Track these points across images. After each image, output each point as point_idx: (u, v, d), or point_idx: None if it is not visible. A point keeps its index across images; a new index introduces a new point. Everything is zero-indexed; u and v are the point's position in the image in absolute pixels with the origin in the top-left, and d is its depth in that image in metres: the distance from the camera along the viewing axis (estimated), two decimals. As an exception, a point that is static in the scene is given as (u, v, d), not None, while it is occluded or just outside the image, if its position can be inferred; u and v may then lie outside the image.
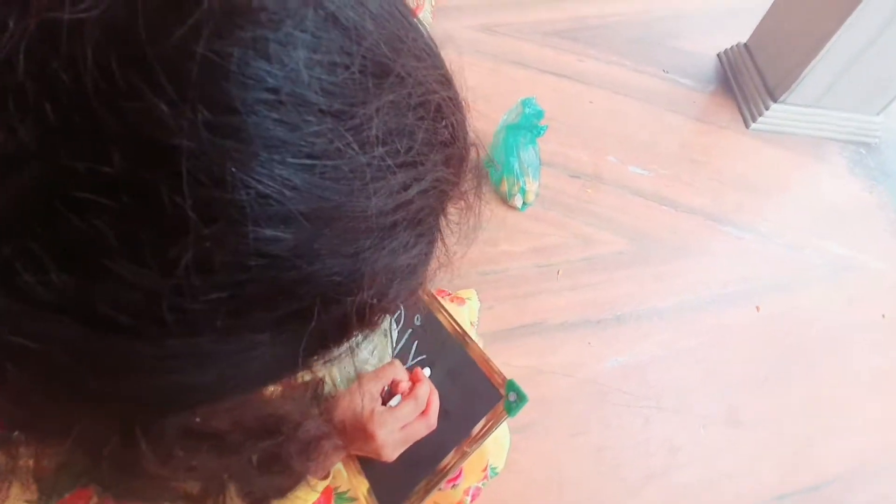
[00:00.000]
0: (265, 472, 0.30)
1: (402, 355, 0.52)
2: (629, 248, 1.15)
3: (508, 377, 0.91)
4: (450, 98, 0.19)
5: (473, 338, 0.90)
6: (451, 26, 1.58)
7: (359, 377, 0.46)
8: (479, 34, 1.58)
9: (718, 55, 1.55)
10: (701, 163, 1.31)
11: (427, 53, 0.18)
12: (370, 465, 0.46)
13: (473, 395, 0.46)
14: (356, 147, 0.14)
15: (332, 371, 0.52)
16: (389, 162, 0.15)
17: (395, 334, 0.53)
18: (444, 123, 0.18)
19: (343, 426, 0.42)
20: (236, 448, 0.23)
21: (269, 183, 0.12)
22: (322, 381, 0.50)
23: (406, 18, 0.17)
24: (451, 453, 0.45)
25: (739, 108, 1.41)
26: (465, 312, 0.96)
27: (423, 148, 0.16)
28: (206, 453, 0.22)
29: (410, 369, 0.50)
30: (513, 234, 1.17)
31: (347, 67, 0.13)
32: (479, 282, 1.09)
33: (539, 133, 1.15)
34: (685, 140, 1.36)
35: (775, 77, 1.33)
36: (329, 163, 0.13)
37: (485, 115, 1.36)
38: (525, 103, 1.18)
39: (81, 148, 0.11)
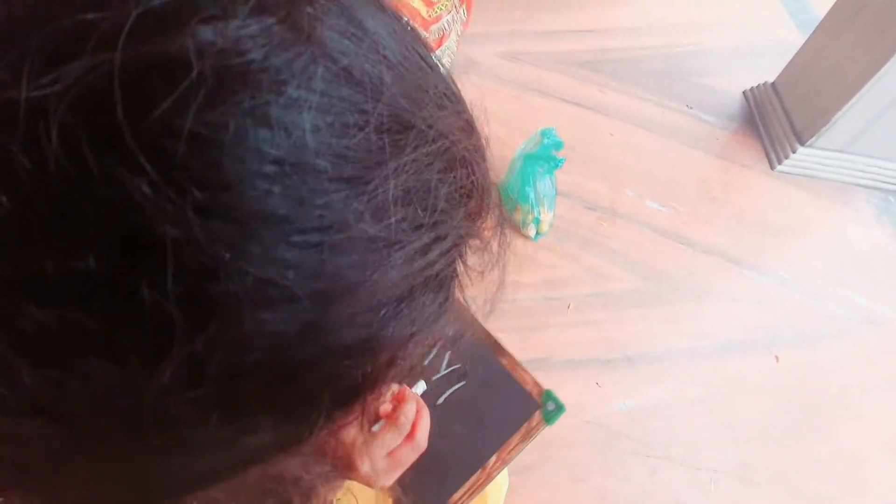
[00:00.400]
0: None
1: (432, 365, 0.50)
2: (643, 286, 1.13)
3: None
4: (473, 146, 0.17)
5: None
6: (474, 52, 1.60)
7: None
8: (503, 61, 1.59)
9: (744, 93, 1.53)
10: (721, 201, 1.29)
11: (449, 99, 0.16)
12: (400, 481, 0.45)
13: (508, 404, 0.45)
14: (371, 215, 0.12)
15: None
16: (406, 227, 0.13)
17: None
18: (467, 174, 0.16)
19: (334, 459, 0.41)
20: None
21: (270, 266, 0.11)
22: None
23: (427, 62, 0.15)
24: (493, 458, 0.43)
25: (765, 149, 1.39)
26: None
27: (445, 205, 0.15)
28: None
29: (446, 379, 0.48)
30: (524, 263, 1.15)
31: (362, 128, 0.12)
32: (487, 311, 1.07)
33: (557, 165, 1.14)
34: (706, 177, 1.34)
35: (804, 120, 1.31)
36: (339, 237, 0.12)
37: (503, 142, 1.36)
38: (544, 133, 1.18)
39: (48, 243, 0.10)
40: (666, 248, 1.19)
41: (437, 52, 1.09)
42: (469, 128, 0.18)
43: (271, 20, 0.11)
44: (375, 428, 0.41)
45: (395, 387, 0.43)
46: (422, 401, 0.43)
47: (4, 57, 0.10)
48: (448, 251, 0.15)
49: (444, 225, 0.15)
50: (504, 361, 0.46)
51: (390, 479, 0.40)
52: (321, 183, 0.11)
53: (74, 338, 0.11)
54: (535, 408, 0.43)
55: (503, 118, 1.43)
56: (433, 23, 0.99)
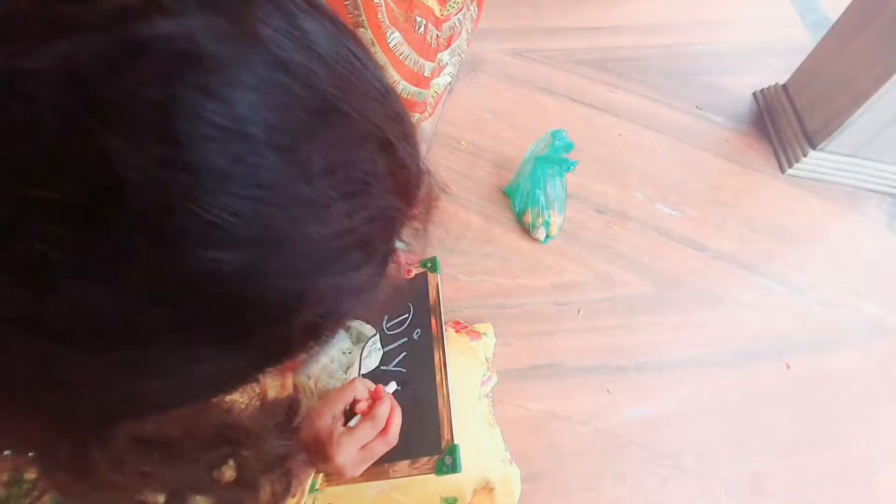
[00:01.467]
0: (229, 487, 0.31)
1: (386, 357, 0.53)
2: (653, 291, 1.12)
3: (522, 421, 0.89)
4: (401, 133, 0.20)
5: (484, 377, 0.87)
6: (482, 49, 1.58)
7: (322, 399, 0.46)
8: (511, 59, 1.57)
9: (754, 94, 1.52)
10: (732, 206, 1.28)
11: (378, 92, 0.19)
12: None
13: (419, 432, 0.46)
14: (300, 179, 0.15)
15: (309, 388, 0.52)
16: (332, 193, 0.16)
17: (373, 348, 0.53)
18: (392, 156, 0.19)
19: (307, 449, 0.44)
20: (188, 456, 0.25)
21: (215, 211, 0.14)
22: (298, 399, 0.50)
23: (359, 59, 0.18)
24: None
25: (775, 152, 1.38)
26: (481, 348, 0.94)
27: (368, 178, 0.18)
28: (157, 460, 0.23)
29: (386, 375, 0.51)
30: (533, 267, 1.14)
31: (290, 107, 0.15)
32: (495, 315, 1.06)
33: (569, 168, 1.13)
34: (716, 181, 1.33)
35: (815, 123, 1.30)
36: (272, 193, 0.15)
37: (511, 142, 1.35)
38: (555, 135, 1.16)
39: (38, 178, 0.12)
40: (677, 253, 1.18)
41: (448, 50, 1.06)
42: (397, 117, 0.20)
43: (219, 18, 0.14)
44: (352, 423, 0.45)
45: (370, 385, 0.48)
46: (395, 400, 0.46)
47: (14, 36, 0.12)
48: (373, 218, 0.18)
49: (367, 196, 0.18)
50: (441, 395, 0.48)
51: (359, 470, 0.43)
52: (256, 147, 0.14)
53: (55, 258, 0.13)
54: (436, 452, 0.44)
55: (511, 118, 1.42)
56: (445, 21, 0.97)
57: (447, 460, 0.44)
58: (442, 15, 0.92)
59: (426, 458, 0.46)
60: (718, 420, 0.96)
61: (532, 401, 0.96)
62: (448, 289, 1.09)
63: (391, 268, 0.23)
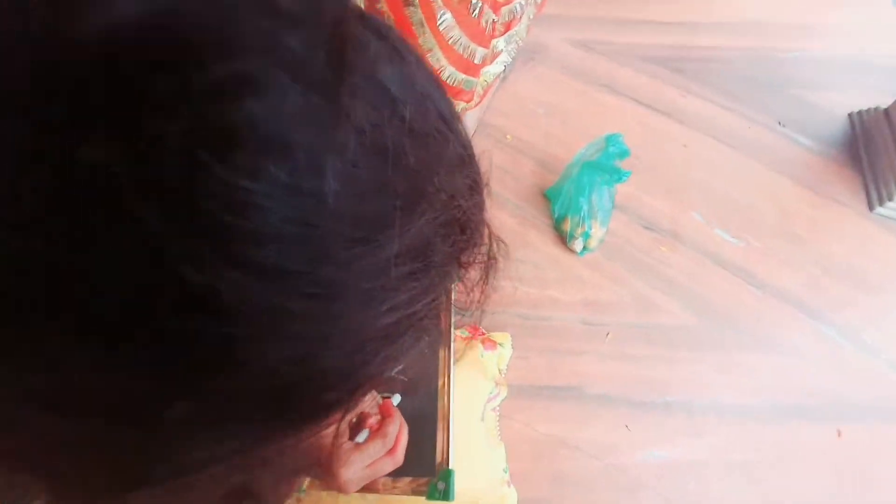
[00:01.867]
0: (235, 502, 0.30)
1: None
2: (697, 325, 1.02)
3: (528, 442, 0.85)
4: (475, 203, 0.19)
5: (491, 394, 0.82)
6: (544, 36, 1.47)
7: None
8: (573, 49, 1.46)
9: (850, 116, 1.34)
10: (805, 241, 1.14)
11: (463, 160, 0.18)
12: None
13: (414, 448, 0.44)
14: (370, 270, 0.14)
15: None
16: (402, 279, 0.15)
17: None
18: (467, 234, 0.18)
19: (310, 462, 0.43)
20: (203, 489, 0.23)
21: (279, 313, 0.13)
22: None
23: (449, 125, 0.17)
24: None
25: (865, 185, 1.21)
26: (492, 362, 0.89)
27: (440, 262, 0.17)
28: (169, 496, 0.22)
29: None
30: (565, 279, 1.07)
31: (379, 195, 0.14)
32: (517, 325, 1.00)
33: (620, 178, 1.03)
34: (790, 209, 1.18)
35: (921, 157, 1.13)
36: (338, 291, 0.14)
37: (561, 141, 1.26)
38: (610, 140, 1.07)
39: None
40: (731, 285, 1.07)
41: (504, 36, 0.99)
42: (475, 186, 0.19)
43: (313, 96, 0.13)
44: (360, 439, 0.43)
45: (378, 398, 0.46)
46: (402, 418, 0.45)
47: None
48: (434, 301, 0.17)
49: (436, 279, 0.17)
50: (440, 407, 0.46)
51: (359, 487, 0.43)
52: (336, 242, 0.13)
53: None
54: (429, 474, 0.43)
55: (565, 115, 1.32)
56: (505, 4, 0.89)
57: (440, 486, 0.43)
58: (502, -3, 0.85)
59: (419, 479, 0.44)
60: (749, 480, 0.87)
61: (543, 423, 0.90)
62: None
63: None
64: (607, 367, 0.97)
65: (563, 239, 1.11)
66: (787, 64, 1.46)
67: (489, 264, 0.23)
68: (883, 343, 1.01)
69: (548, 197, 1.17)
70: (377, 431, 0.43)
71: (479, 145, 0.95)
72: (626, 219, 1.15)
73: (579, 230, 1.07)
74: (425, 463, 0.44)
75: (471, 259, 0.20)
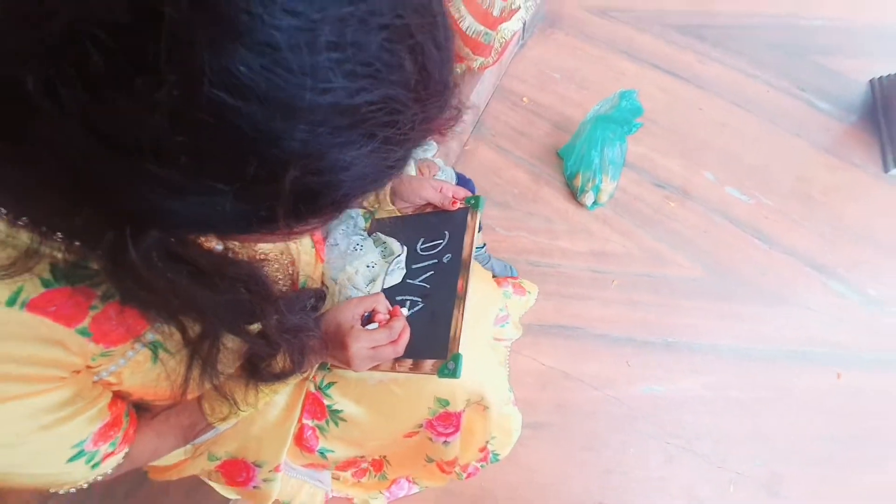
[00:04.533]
0: (254, 338, 0.39)
1: (413, 273, 0.61)
2: (704, 276, 1.10)
3: (534, 373, 0.95)
4: (431, 37, 0.21)
5: (502, 312, 0.92)
6: (563, 4, 1.56)
7: (347, 301, 0.55)
8: (593, 17, 1.54)
9: (871, 82, 1.38)
10: (819, 202, 1.19)
11: None
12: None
13: (431, 339, 0.54)
14: (306, 47, 0.18)
15: (333, 292, 0.61)
16: (336, 68, 0.18)
17: (396, 266, 0.61)
18: (409, 48, 0.20)
19: (325, 334, 0.52)
20: (210, 281, 0.30)
21: (228, 59, 0.17)
22: (324, 292, 0.58)
23: None
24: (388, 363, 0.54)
25: (882, 148, 1.26)
26: (521, 305, 0.98)
27: (377, 64, 0.19)
28: (185, 275, 0.28)
29: (409, 287, 0.60)
30: (574, 231, 1.16)
31: None
32: (528, 271, 1.10)
33: (631, 130, 1.12)
34: (806, 172, 1.24)
35: (942, 119, 1.16)
36: (279, 55, 0.17)
37: (577, 104, 1.35)
38: (623, 95, 1.15)
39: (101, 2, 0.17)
40: (739, 240, 1.14)
41: (521, -6, 1.08)
42: (430, 18, 0.21)
43: None
44: (370, 328, 0.53)
45: (388, 304, 0.56)
46: (407, 323, 0.55)
47: None
48: (375, 104, 0.20)
49: (373, 82, 0.20)
50: (456, 313, 0.55)
51: (364, 367, 0.51)
52: (276, 10, 0.17)
53: (106, 72, 0.17)
54: (441, 357, 0.50)
55: (581, 79, 1.40)
56: (521, -40, 0.98)
57: (450, 365, 0.51)
58: (518, -46, 0.94)
59: (432, 361, 0.53)
60: (746, 415, 0.95)
61: (548, 357, 1.00)
62: (485, 238, 1.14)
63: (404, 169, 0.25)
64: (612, 310, 1.06)
65: (574, 194, 1.20)
66: (810, 31, 1.50)
67: (457, 116, 0.26)
68: (888, 296, 1.07)
69: (561, 156, 1.26)
70: (385, 325, 0.53)
71: (496, 108, 1.10)
72: (636, 177, 1.23)
73: (590, 184, 1.16)
74: (439, 349, 0.53)
75: (423, 86, 0.22)
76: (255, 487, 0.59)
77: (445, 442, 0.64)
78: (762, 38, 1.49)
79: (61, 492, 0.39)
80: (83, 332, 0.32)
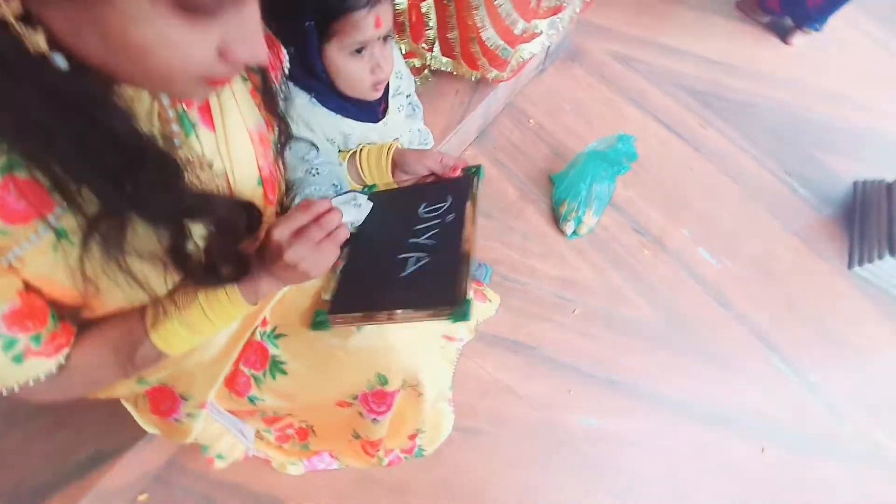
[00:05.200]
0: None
1: (415, 233, 0.60)
2: (658, 324, 1.14)
3: (478, 380, 0.95)
4: None
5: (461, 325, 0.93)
6: (588, 43, 1.62)
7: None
8: (613, 61, 1.61)
9: (855, 183, 1.46)
10: (780, 280, 1.26)
11: None
12: (344, 281, 0.58)
13: (439, 289, 0.52)
14: None
15: None
16: None
17: (354, 203, 0.61)
18: None
19: (261, 248, 0.49)
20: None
21: None
22: (260, 211, 0.51)
23: None
24: (384, 313, 0.52)
25: (850, 246, 1.33)
26: (480, 312, 1.00)
27: None
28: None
29: (416, 247, 0.57)
30: (548, 255, 1.20)
31: None
32: (495, 283, 1.13)
33: (621, 171, 1.16)
34: (774, 251, 1.31)
35: (906, 230, 1.24)
36: None
37: (579, 137, 1.40)
38: (622, 138, 1.20)
39: None
40: (700, 299, 1.19)
41: (548, 20, 1.13)
42: None
43: None
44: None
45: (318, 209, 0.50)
46: (340, 212, 0.50)
47: None
48: None
49: None
50: (462, 266, 0.53)
51: (309, 265, 0.46)
52: None
53: None
54: (451, 304, 0.49)
55: (588, 115, 1.46)
56: (554, -12, 1.03)
57: (461, 308, 0.49)
58: (552, -19, 0.99)
59: (440, 310, 0.50)
60: (668, 466, 0.98)
61: (495, 368, 1.02)
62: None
63: None
64: (566, 337, 1.09)
65: (557, 220, 1.24)
66: (810, 123, 1.60)
67: None
68: (827, 387, 1.12)
69: (553, 181, 1.30)
70: (307, 209, 0.47)
71: (503, 123, 1.15)
72: (619, 217, 1.28)
73: (573, 214, 1.20)
74: (448, 297, 0.50)
75: None
76: (176, 420, 0.60)
77: (375, 420, 0.66)
78: (764, 119, 1.57)
79: None
80: None
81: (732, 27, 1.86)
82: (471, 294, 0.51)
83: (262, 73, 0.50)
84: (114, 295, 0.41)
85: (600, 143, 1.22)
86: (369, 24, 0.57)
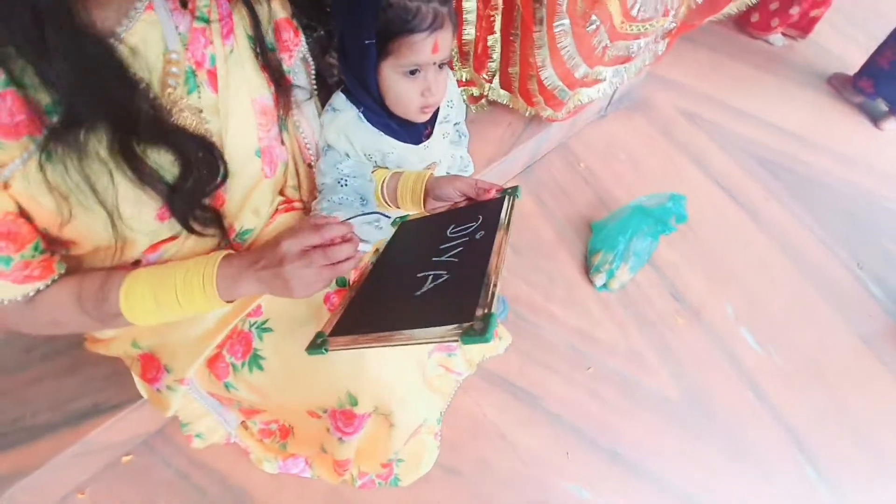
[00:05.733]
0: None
1: (439, 252, 0.56)
2: (679, 402, 1.05)
3: (472, 419, 0.89)
4: None
5: (457, 357, 0.91)
6: (656, 96, 1.58)
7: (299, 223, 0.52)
8: (678, 116, 1.55)
9: (940, 290, 1.30)
10: (829, 381, 1.13)
11: None
12: (354, 304, 0.54)
13: (455, 305, 0.46)
14: None
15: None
16: None
17: (376, 224, 0.62)
18: None
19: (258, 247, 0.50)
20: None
21: None
22: (224, 165, 0.51)
23: None
24: (387, 333, 0.47)
25: (922, 359, 1.17)
26: (486, 347, 0.97)
27: None
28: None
29: (437, 265, 0.53)
30: (572, 303, 1.14)
31: None
32: (510, 321, 1.09)
33: (665, 230, 1.10)
34: (829, 348, 1.18)
35: None
36: None
37: (629, 189, 1.35)
38: (673, 197, 1.15)
39: None
40: (731, 383, 1.09)
41: (613, 68, 1.11)
42: None
43: None
44: None
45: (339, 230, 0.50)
46: (357, 241, 0.50)
47: None
48: None
49: None
50: (489, 280, 0.47)
51: (303, 282, 0.46)
52: None
53: None
54: (468, 320, 0.43)
55: (643, 167, 1.41)
56: (622, 38, 1.02)
57: (476, 326, 0.42)
58: (621, 29, 0.98)
59: (457, 326, 0.44)
60: (662, 560, 0.88)
61: (492, 410, 0.98)
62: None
63: None
64: (574, 394, 1.02)
65: (588, 270, 1.19)
66: (887, 213, 1.45)
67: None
68: (865, 509, 0.98)
69: (592, 229, 1.26)
70: (318, 229, 0.47)
71: (552, 161, 1.13)
72: (656, 278, 1.21)
73: (606, 266, 1.15)
74: (464, 313, 0.44)
75: None
76: (158, 390, 0.61)
77: (341, 439, 0.64)
78: (838, 200, 1.45)
79: None
80: None
81: (819, 102, 1.75)
82: (496, 308, 0.44)
83: (265, 48, 0.53)
84: (86, 223, 0.42)
85: (650, 199, 1.17)
86: (427, 47, 0.58)
